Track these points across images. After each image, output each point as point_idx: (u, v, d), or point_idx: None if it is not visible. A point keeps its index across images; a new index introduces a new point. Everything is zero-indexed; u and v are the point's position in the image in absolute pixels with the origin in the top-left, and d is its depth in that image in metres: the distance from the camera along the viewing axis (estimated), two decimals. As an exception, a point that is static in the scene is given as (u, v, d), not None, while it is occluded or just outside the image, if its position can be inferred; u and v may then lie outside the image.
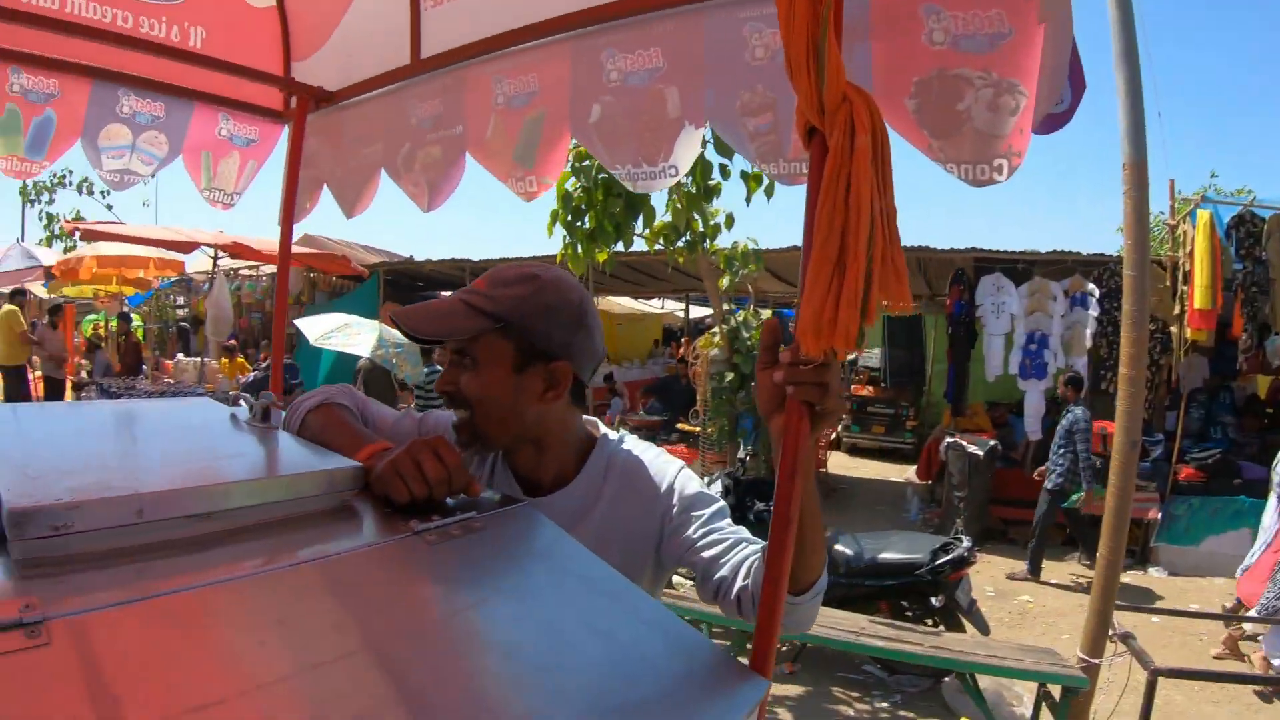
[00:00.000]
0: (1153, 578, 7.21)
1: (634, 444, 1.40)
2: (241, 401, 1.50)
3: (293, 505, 1.07)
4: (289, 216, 2.43)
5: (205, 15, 2.38)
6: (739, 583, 1.20)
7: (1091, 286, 7.83)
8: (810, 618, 1.20)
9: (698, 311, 16.95)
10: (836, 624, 3.61)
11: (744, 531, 1.29)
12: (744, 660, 1.07)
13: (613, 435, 1.42)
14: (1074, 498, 6.90)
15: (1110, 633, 2.97)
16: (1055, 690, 3.06)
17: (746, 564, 1.21)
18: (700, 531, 1.27)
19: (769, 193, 4.29)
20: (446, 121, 2.03)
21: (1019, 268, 8.30)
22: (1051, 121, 1.51)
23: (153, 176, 2.59)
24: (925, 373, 11.89)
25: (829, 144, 0.92)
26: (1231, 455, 7.86)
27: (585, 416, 1.45)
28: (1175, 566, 7.37)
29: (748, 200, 4.53)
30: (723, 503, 1.34)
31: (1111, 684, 3.13)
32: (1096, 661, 2.96)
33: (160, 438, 1.41)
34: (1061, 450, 6.99)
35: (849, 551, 4.80)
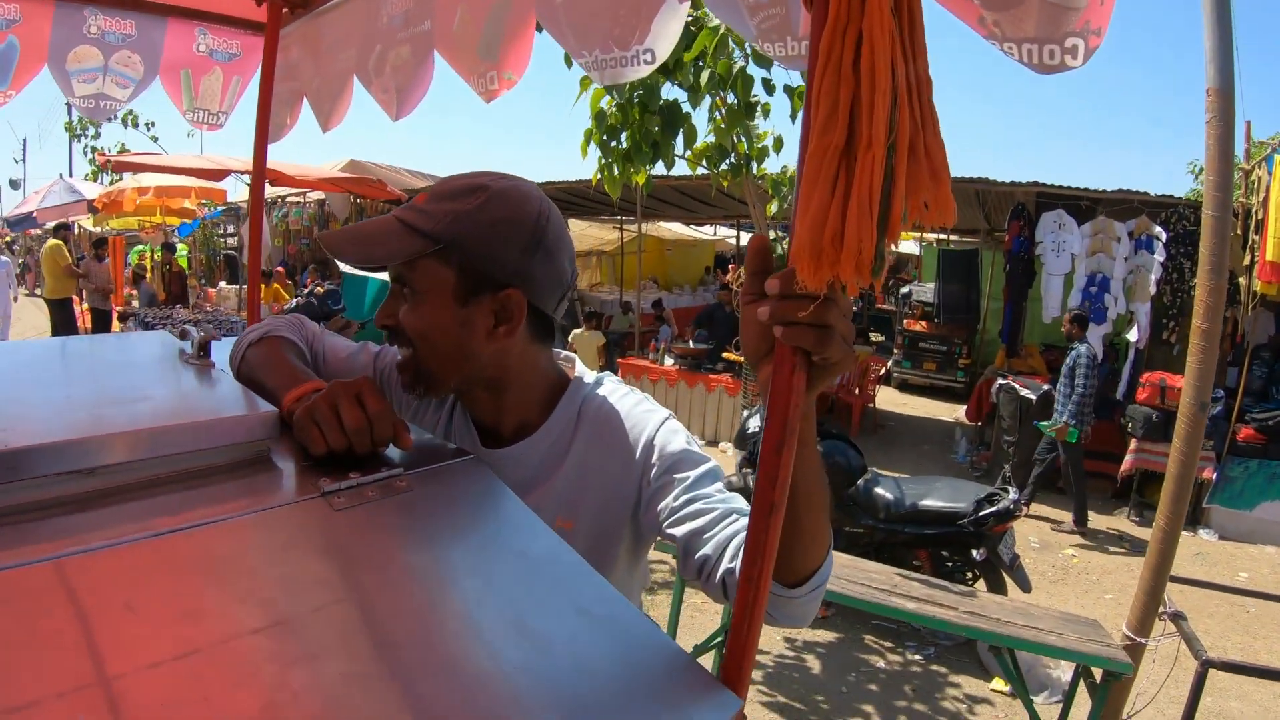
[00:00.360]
0: (1203, 540, 6.85)
1: (612, 389, 1.18)
2: (190, 335, 1.33)
3: (193, 459, 0.91)
4: (263, 133, 2.21)
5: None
6: (724, 564, 0.97)
7: (1159, 230, 7.39)
8: (808, 613, 0.97)
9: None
10: (869, 578, 3.40)
11: (737, 500, 1.05)
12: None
13: (589, 377, 1.19)
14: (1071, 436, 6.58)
15: (1160, 610, 2.71)
16: (1096, 670, 2.82)
17: (735, 541, 0.97)
18: (683, 499, 1.04)
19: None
20: (416, 17, 1.78)
21: (1082, 205, 7.82)
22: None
23: (131, 100, 2.41)
24: (980, 310, 11.39)
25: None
26: (1300, 416, 7.37)
27: (564, 354, 1.24)
28: (1226, 530, 6.99)
29: (792, 117, 4.20)
30: (714, 463, 1.10)
31: (1156, 664, 2.88)
32: (1144, 641, 2.70)
33: (78, 381, 1.27)
34: (1065, 390, 6.70)
35: (890, 496, 4.58)
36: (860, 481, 4.67)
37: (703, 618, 4.51)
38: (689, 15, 1.64)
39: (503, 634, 0.72)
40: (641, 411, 1.14)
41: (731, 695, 0.75)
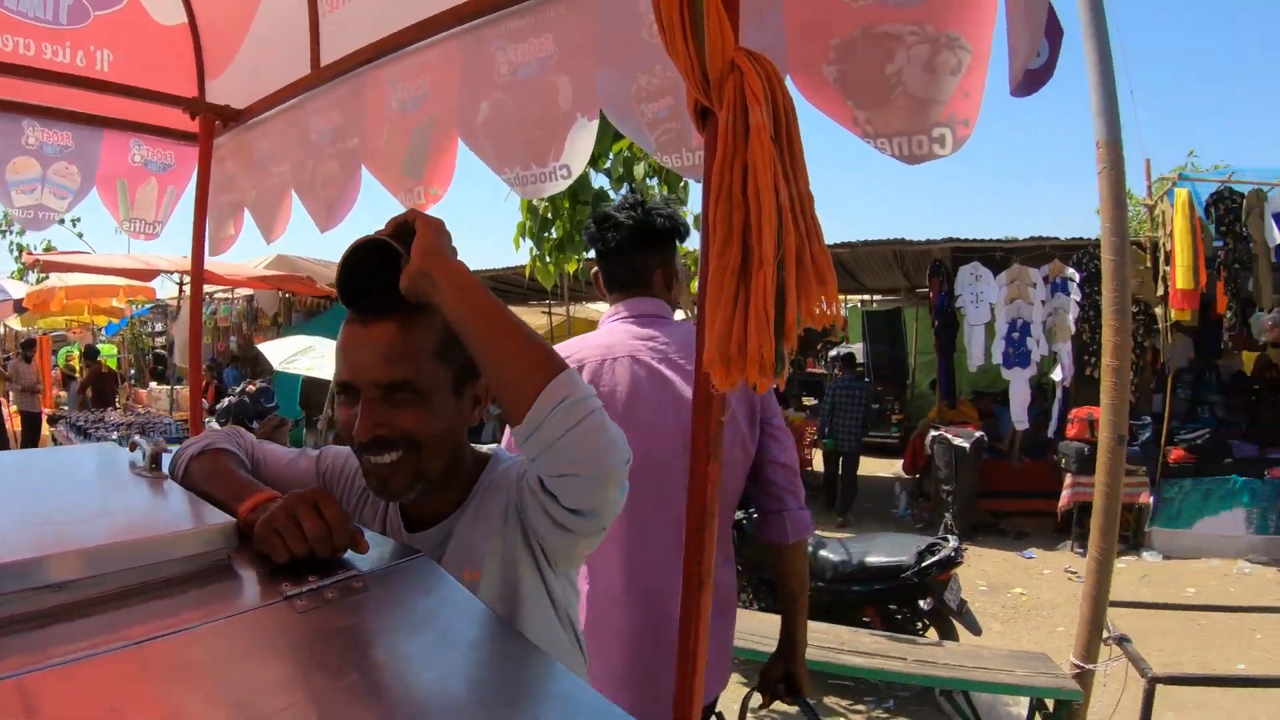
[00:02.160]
0: (1148, 563, 7.10)
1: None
2: (140, 447, 1.37)
3: (158, 570, 0.95)
4: (199, 244, 2.26)
5: (113, 37, 2.25)
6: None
7: (1072, 271, 7.75)
8: (568, 437, 0.95)
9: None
10: (817, 639, 3.45)
11: None
12: None
13: (503, 452, 1.26)
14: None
15: (1105, 636, 2.83)
16: (1049, 701, 2.91)
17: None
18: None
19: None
20: (345, 133, 1.89)
21: (997, 256, 8.22)
22: (1031, 79, 1.35)
23: (69, 211, 2.45)
24: (909, 366, 11.75)
25: (719, 123, 0.77)
26: (1221, 434, 7.77)
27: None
28: (1170, 550, 7.27)
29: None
30: None
31: (1109, 687, 2.99)
32: (1091, 667, 2.82)
33: (36, 496, 1.29)
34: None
35: (835, 557, 4.66)
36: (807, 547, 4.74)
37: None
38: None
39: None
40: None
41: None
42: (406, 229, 0.99)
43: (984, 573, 6.83)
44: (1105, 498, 2.82)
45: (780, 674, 1.94)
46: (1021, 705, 3.89)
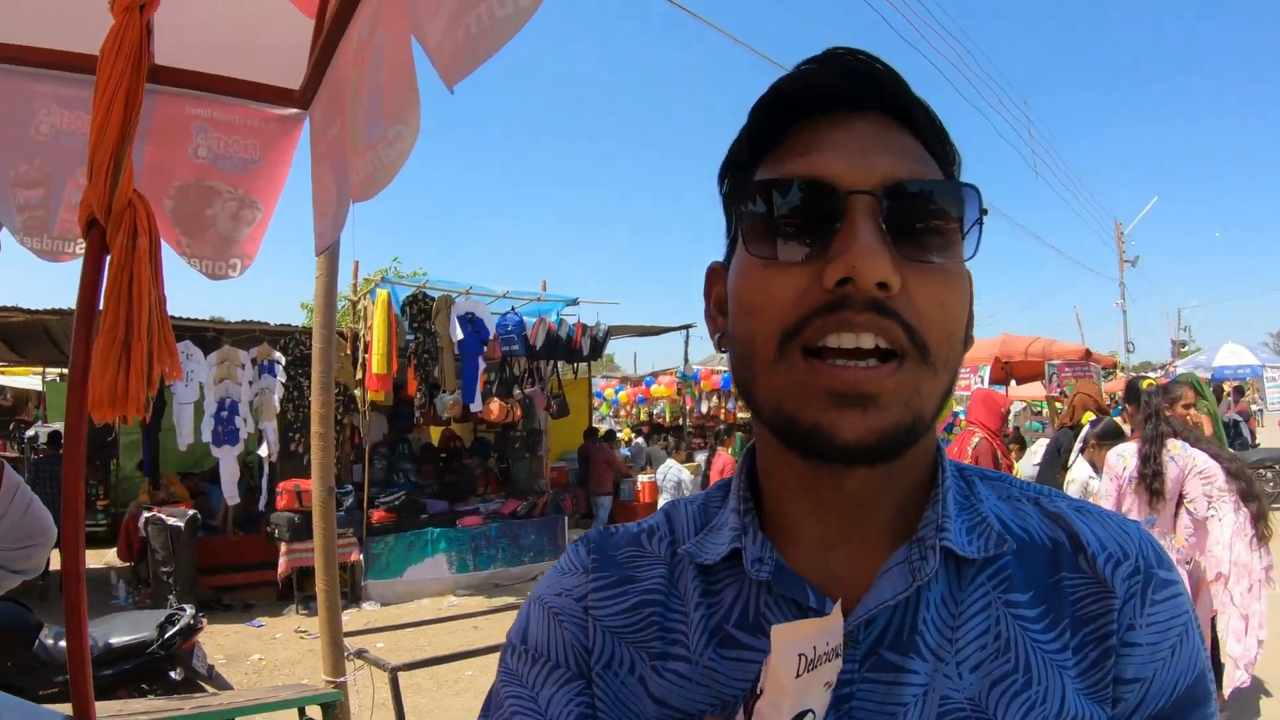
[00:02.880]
0: (367, 612, 8.09)
1: None
2: None
3: None
4: None
5: None
6: None
7: (278, 355, 8.40)
8: None
9: None
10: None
11: None
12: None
13: None
14: None
15: (346, 654, 3.40)
16: (317, 714, 3.35)
17: None
18: None
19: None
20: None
21: (209, 336, 8.41)
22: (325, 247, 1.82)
23: None
24: (115, 446, 10.87)
25: (111, 242, 1.10)
26: (415, 496, 9.42)
27: None
28: (386, 598, 8.42)
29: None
30: None
31: (364, 690, 3.60)
32: (342, 680, 3.35)
33: None
34: None
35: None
36: (43, 639, 4.29)
37: None
38: None
39: None
40: None
41: None
42: None
43: (220, 646, 6.90)
44: (324, 538, 3.41)
45: None
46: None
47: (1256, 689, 4.90)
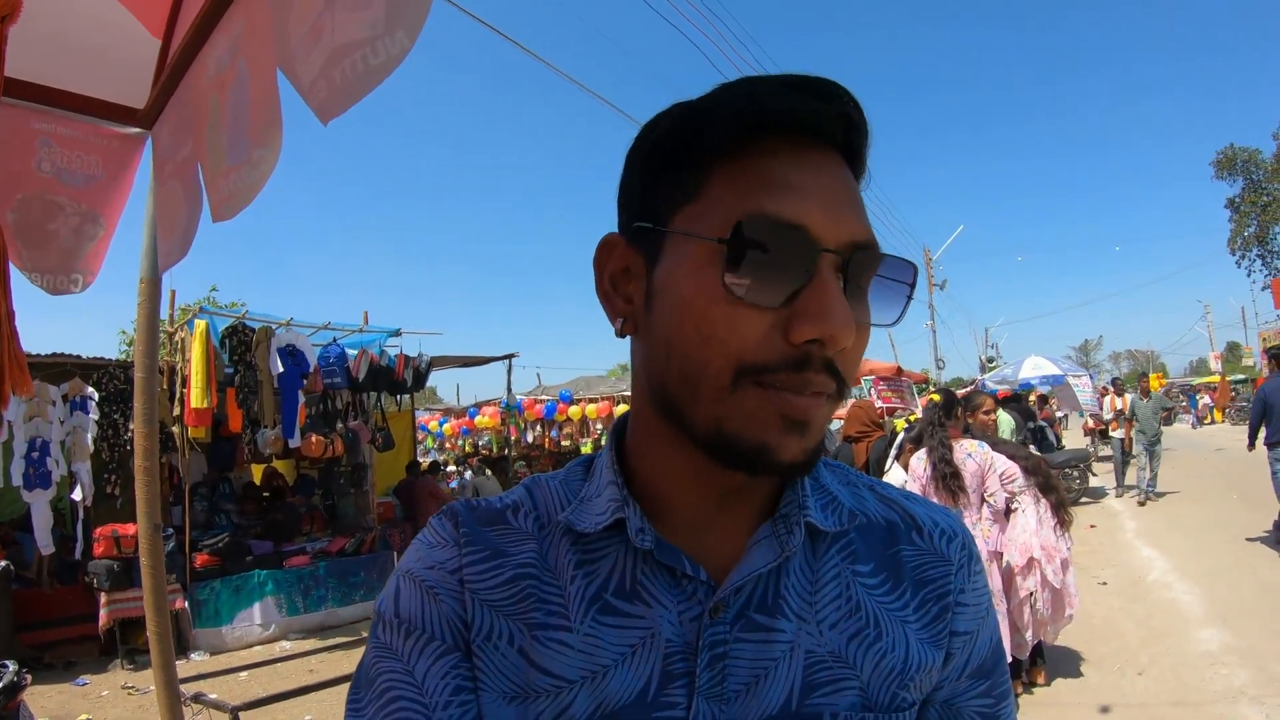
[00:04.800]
0: (196, 663, 7.49)
1: None
2: None
3: None
4: None
5: None
6: None
7: (91, 390, 7.81)
8: None
9: None
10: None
11: None
12: None
13: None
14: None
15: (183, 699, 3.23)
16: None
17: None
18: None
19: None
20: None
21: (14, 370, 7.69)
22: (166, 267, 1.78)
23: None
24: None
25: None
26: (239, 537, 8.85)
27: None
28: (215, 646, 7.85)
29: None
30: None
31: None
32: None
33: None
34: None
35: None
36: None
37: None
38: None
39: None
40: None
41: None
42: None
43: (45, 709, 6.26)
44: (153, 576, 3.24)
45: None
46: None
47: (1075, 658, 5.53)
